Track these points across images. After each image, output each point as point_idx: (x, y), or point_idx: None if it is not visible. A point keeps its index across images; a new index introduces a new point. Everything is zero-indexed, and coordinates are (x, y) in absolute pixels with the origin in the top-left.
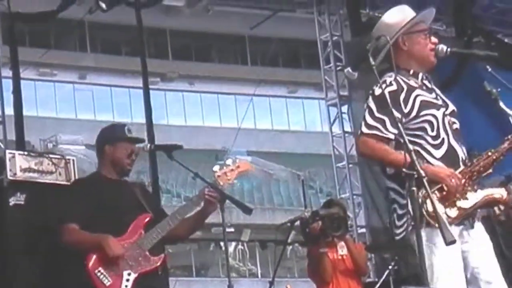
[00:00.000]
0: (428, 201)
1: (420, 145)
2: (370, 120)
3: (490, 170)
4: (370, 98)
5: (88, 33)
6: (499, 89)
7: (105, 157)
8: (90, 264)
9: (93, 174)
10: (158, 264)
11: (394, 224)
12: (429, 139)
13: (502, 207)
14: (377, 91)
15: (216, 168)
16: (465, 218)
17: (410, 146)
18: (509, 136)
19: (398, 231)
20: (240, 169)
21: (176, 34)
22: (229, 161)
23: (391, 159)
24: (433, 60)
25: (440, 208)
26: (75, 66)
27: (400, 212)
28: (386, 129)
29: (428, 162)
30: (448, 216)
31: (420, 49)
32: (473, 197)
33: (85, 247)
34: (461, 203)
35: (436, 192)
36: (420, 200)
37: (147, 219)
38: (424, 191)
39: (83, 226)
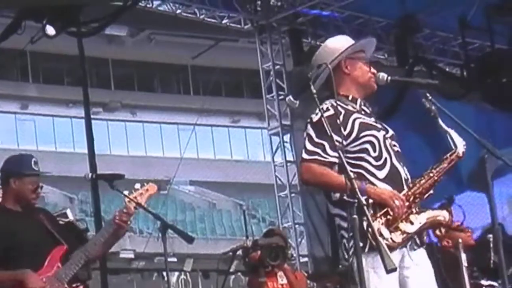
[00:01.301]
0: (374, 223)
1: (362, 167)
2: (310, 146)
3: (431, 191)
4: (309, 126)
5: (30, 62)
6: (437, 106)
7: (9, 189)
8: None
9: None
10: None
11: (344, 248)
12: (372, 160)
13: (443, 230)
14: (315, 117)
15: (126, 193)
16: (409, 241)
17: (351, 173)
18: (448, 155)
19: (347, 255)
20: (149, 192)
21: (119, 63)
22: (137, 186)
23: (335, 183)
24: (373, 86)
25: (385, 233)
26: (17, 96)
27: (346, 236)
28: (326, 153)
29: (371, 183)
30: (393, 241)
31: (362, 74)
32: (417, 221)
33: (5, 285)
34: (405, 227)
35: (381, 216)
36: (365, 224)
37: (62, 251)
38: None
39: None
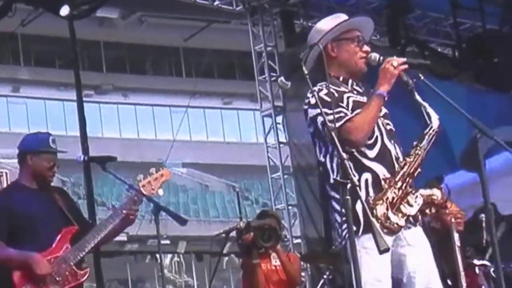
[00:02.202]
0: (378, 206)
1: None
2: (332, 115)
3: (419, 170)
4: (308, 108)
5: (21, 45)
6: (415, 80)
7: (26, 167)
8: (17, 281)
9: (12, 184)
10: (84, 278)
11: (337, 232)
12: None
13: (432, 210)
14: (312, 100)
15: (140, 177)
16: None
17: (344, 155)
18: (426, 131)
19: (339, 239)
20: (164, 178)
21: (110, 46)
22: (152, 170)
23: (373, 114)
24: (362, 68)
25: (392, 217)
26: (8, 79)
27: (340, 220)
28: (346, 113)
29: (361, 162)
30: (398, 225)
31: (349, 57)
32: (415, 202)
33: (11, 265)
34: (407, 210)
35: (384, 200)
36: (370, 205)
37: (73, 232)
38: (372, 197)
39: (7, 240)
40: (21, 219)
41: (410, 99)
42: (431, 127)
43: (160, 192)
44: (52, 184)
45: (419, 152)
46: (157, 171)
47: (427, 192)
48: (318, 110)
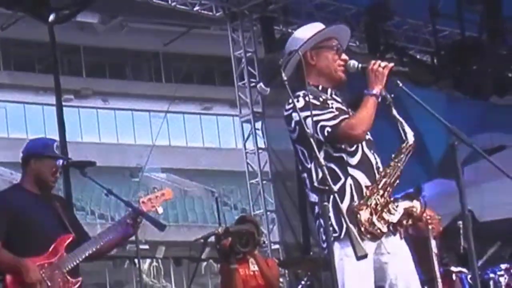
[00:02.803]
0: (362, 212)
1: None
2: (327, 116)
3: (398, 181)
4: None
5: (1, 49)
6: (392, 95)
7: (29, 170)
8: (9, 284)
9: (14, 186)
10: (76, 286)
11: (321, 237)
12: (345, 146)
13: (409, 222)
14: (299, 103)
15: (141, 194)
16: None
17: (322, 161)
18: (402, 146)
19: (324, 245)
20: (165, 197)
21: (90, 50)
22: (155, 188)
23: (371, 112)
24: (341, 76)
25: (376, 222)
26: None
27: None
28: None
29: (344, 171)
30: (381, 231)
31: (328, 65)
32: (396, 211)
33: (3, 268)
34: (389, 217)
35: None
36: (355, 210)
37: (69, 240)
38: (357, 203)
39: (4, 242)
40: (20, 221)
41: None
42: (407, 142)
43: (160, 210)
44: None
45: (398, 164)
46: (158, 190)
47: (408, 204)
48: (307, 113)
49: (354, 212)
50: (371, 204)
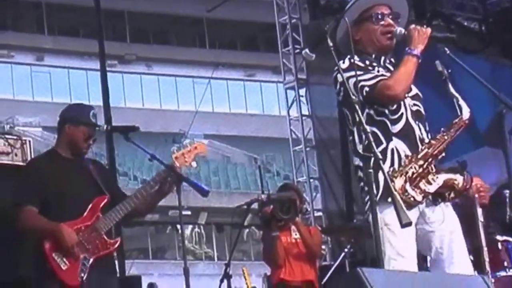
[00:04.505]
0: (396, 179)
1: (384, 116)
2: (367, 76)
3: (443, 154)
4: (337, 74)
5: (46, 14)
6: (449, 70)
7: (63, 135)
8: (47, 247)
9: (49, 151)
10: (115, 247)
11: (363, 201)
12: (388, 113)
13: (452, 195)
14: (343, 64)
15: (174, 149)
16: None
17: (367, 128)
18: (456, 120)
19: (366, 208)
20: (197, 151)
21: (134, 16)
22: (186, 143)
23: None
24: (386, 43)
25: (409, 189)
26: (32, 48)
27: (366, 189)
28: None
29: (388, 136)
30: (415, 199)
31: (371, 37)
32: (435, 181)
33: (41, 234)
34: (425, 187)
35: (404, 173)
36: (388, 177)
37: (104, 201)
38: (392, 169)
39: (40, 208)
40: (54, 187)
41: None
42: (461, 117)
43: (194, 164)
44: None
45: (446, 138)
46: (191, 144)
47: (449, 175)
48: (350, 73)
49: (389, 178)
50: (407, 173)
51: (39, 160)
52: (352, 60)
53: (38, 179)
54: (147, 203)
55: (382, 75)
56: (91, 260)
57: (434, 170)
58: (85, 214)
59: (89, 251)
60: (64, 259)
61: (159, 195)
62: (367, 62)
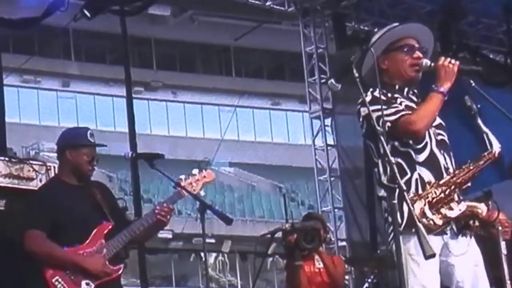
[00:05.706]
0: (416, 203)
1: (408, 147)
2: (390, 111)
3: (469, 184)
4: (361, 107)
5: (73, 40)
6: (479, 106)
7: (65, 162)
8: (48, 272)
9: (51, 179)
10: (118, 274)
11: (387, 232)
12: (413, 143)
13: (476, 223)
14: (367, 97)
15: (181, 178)
16: (447, 226)
17: (392, 158)
18: (485, 153)
19: (389, 238)
20: (206, 180)
21: (161, 43)
22: (195, 171)
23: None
24: (413, 75)
25: (428, 213)
26: (59, 74)
27: (390, 220)
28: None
29: (413, 165)
30: (434, 223)
31: (399, 67)
32: (457, 208)
33: (53, 262)
34: (447, 212)
35: (424, 197)
36: (410, 202)
37: (108, 228)
38: (413, 194)
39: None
40: (61, 214)
41: (468, 116)
42: (491, 151)
43: (201, 193)
44: (95, 179)
45: (472, 168)
46: (199, 172)
47: (472, 203)
48: (374, 107)
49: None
50: (427, 197)
51: (45, 187)
52: (375, 94)
53: (45, 208)
54: (145, 235)
55: (405, 108)
56: (93, 286)
57: (457, 199)
58: (89, 240)
59: (91, 278)
60: (65, 285)
61: (155, 229)
62: (389, 95)
